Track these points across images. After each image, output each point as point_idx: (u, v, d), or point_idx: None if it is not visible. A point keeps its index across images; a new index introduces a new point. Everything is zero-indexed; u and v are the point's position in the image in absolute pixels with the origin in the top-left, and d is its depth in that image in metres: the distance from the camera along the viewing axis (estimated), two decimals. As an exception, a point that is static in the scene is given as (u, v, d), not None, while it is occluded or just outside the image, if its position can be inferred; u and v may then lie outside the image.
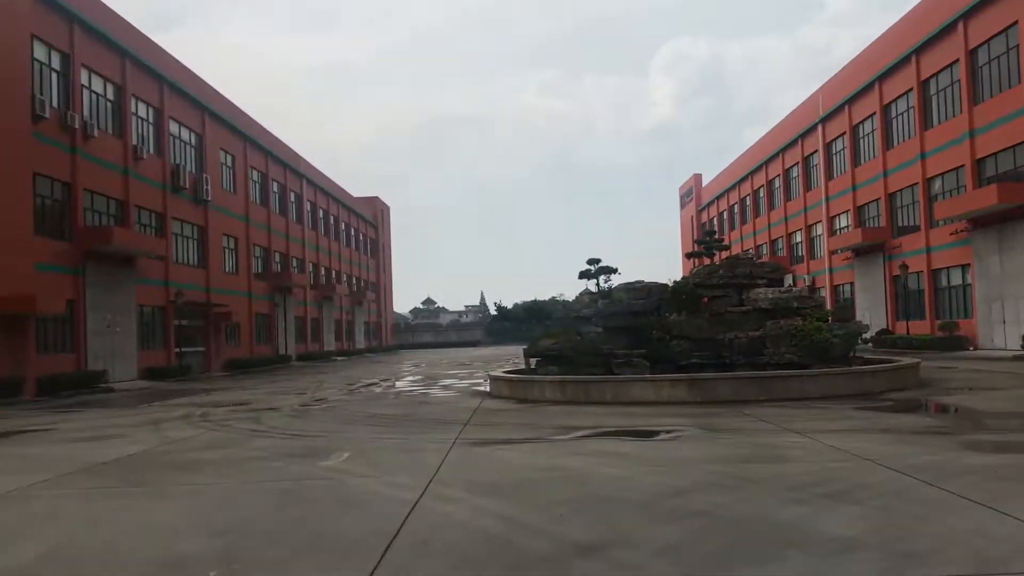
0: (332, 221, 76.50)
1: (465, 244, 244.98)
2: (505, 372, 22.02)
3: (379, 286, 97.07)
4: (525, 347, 22.67)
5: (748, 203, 74.46)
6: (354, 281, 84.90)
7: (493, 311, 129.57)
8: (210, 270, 46.71)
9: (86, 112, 34.88)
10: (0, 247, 27.76)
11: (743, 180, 74.84)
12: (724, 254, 28.06)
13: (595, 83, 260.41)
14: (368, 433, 13.83)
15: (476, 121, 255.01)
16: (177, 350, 41.70)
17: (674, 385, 17.89)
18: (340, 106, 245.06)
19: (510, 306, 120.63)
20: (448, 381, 29.43)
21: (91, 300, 34.27)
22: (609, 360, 19.99)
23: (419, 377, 33.39)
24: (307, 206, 67.92)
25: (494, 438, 12.61)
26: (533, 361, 22.17)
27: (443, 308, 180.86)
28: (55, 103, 32.77)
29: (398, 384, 29.00)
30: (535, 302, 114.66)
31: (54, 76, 33.04)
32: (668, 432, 12.81)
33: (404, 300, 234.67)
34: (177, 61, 44.12)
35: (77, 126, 33.47)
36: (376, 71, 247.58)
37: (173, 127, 43.50)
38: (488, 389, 22.14)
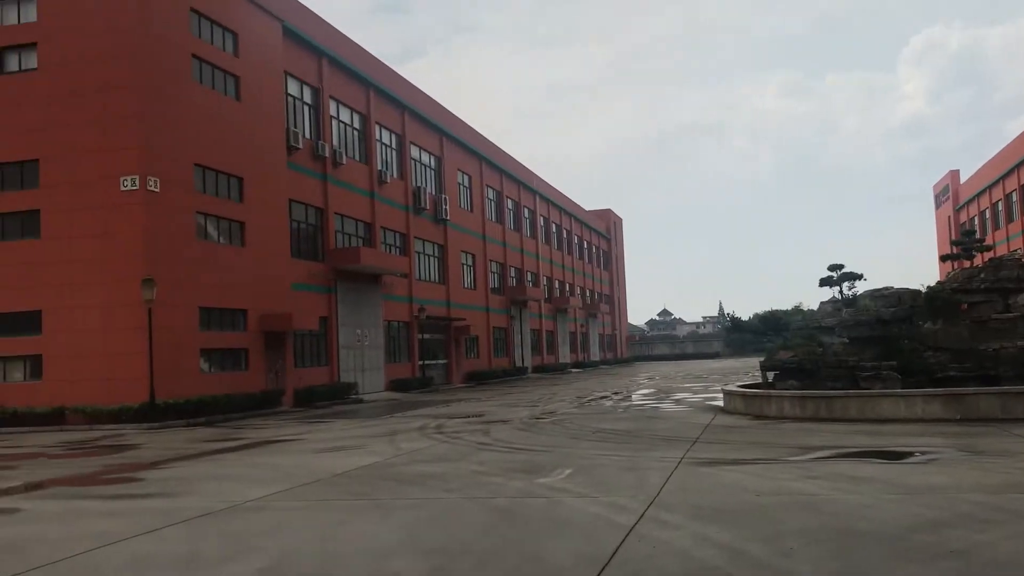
0: (565, 235, 77.41)
1: (702, 254, 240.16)
2: (740, 386, 20.99)
3: (613, 298, 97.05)
4: (761, 359, 21.51)
5: (1014, 199, 67.29)
6: (588, 293, 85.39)
7: (729, 322, 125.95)
8: (450, 286, 48.56)
9: (335, 141, 37.36)
10: (263, 269, 30.21)
11: (1008, 175, 67.69)
12: (986, 256, 25.30)
13: (837, 81, 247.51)
14: (592, 449, 13.51)
15: (711, 128, 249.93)
16: (421, 363, 43.61)
17: (929, 400, 16.21)
18: (573, 121, 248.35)
19: (746, 317, 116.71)
20: (681, 395, 28.61)
21: (342, 316, 36.55)
22: (854, 373, 18.47)
23: (651, 390, 32.76)
24: (540, 221, 69.15)
25: (723, 457, 11.89)
26: (770, 375, 20.97)
27: (679, 319, 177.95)
28: (307, 134, 35.34)
29: (629, 397, 28.55)
30: (771, 312, 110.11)
31: (306, 109, 35.65)
32: (921, 453, 11.51)
33: (639, 312, 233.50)
34: (417, 89, 46.36)
35: (327, 155, 35.91)
36: (608, 84, 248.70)
37: (414, 151, 45.70)
38: (722, 404, 21.20)
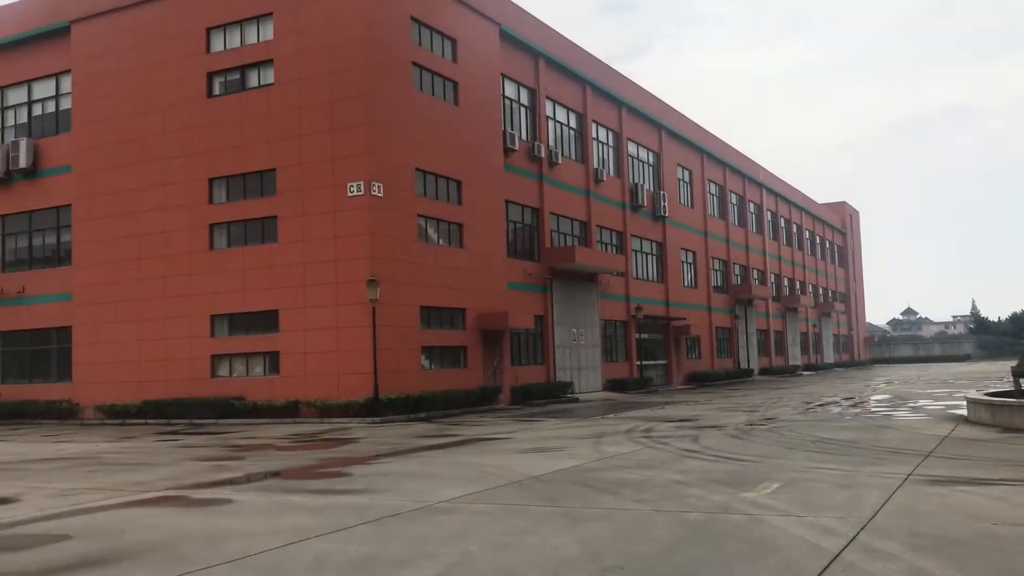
0: (795, 230, 73.86)
1: (952, 247, 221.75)
2: (987, 394, 18.82)
3: (849, 296, 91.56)
4: (1013, 365, 19.21)
5: None
6: (820, 291, 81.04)
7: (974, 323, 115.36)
8: (668, 284, 47.57)
9: (551, 141, 37.55)
10: (480, 269, 30.85)
11: None
12: None
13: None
14: (807, 461, 12.47)
15: (961, 111, 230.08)
16: (638, 363, 43.00)
17: None
18: (805, 110, 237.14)
19: (1004, 316, 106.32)
20: (920, 402, 26.24)
21: (557, 315, 36.67)
22: None
23: (887, 396, 30.34)
24: (767, 215, 66.36)
25: (958, 476, 10.55)
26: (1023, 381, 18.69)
27: (926, 319, 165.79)
28: (523, 135, 35.72)
29: (860, 404, 26.53)
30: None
31: (522, 110, 36.06)
32: None
33: (880, 311, 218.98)
34: (634, 84, 45.75)
35: (543, 155, 36.15)
36: (844, 70, 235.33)
37: (631, 148, 45.14)
38: (965, 414, 19.12)
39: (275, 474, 13.01)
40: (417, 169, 28.39)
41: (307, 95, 27.27)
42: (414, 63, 28.70)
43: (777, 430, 17.70)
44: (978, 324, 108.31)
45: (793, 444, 14.84)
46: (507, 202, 33.76)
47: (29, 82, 33.05)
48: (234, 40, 28.80)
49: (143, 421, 27.83)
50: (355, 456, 15.37)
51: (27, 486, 12.48)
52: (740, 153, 61.15)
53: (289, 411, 26.22)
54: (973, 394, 19.46)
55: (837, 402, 27.51)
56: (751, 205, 63.09)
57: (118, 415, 28.59)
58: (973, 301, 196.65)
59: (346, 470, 13.26)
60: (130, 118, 29.92)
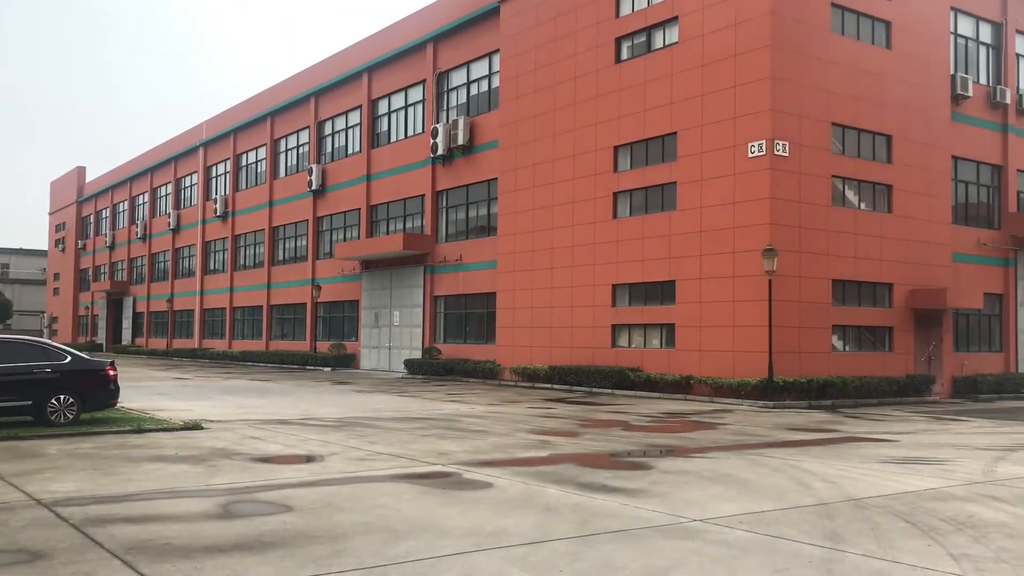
0: None
1: None
2: None
3: None
4: None
5: None
6: None
7: None
8: None
9: (1022, 85, 31.08)
10: (914, 238, 26.62)
11: None
12: None
13: None
14: None
15: None
16: None
17: None
18: None
19: None
20: None
21: (1022, 294, 30.41)
22: None
23: None
24: None
25: None
26: None
27: None
28: (982, 79, 29.98)
29: None
30: None
31: (981, 49, 30.25)
32: None
33: None
34: None
35: (1009, 101, 30.00)
36: None
37: None
38: None
39: (575, 458, 11.90)
40: (834, 124, 25.10)
41: (711, 51, 25.46)
42: (834, 4, 25.31)
43: None
44: None
45: None
46: (955, 158, 28.58)
47: (468, 63, 35.61)
48: (641, 1, 27.94)
49: (549, 386, 28.58)
50: (690, 445, 13.68)
51: (352, 445, 12.91)
52: None
53: (681, 386, 24.97)
54: None
55: None
56: None
57: (529, 378, 29.73)
58: None
59: (655, 463, 11.69)
60: (546, 90, 30.67)
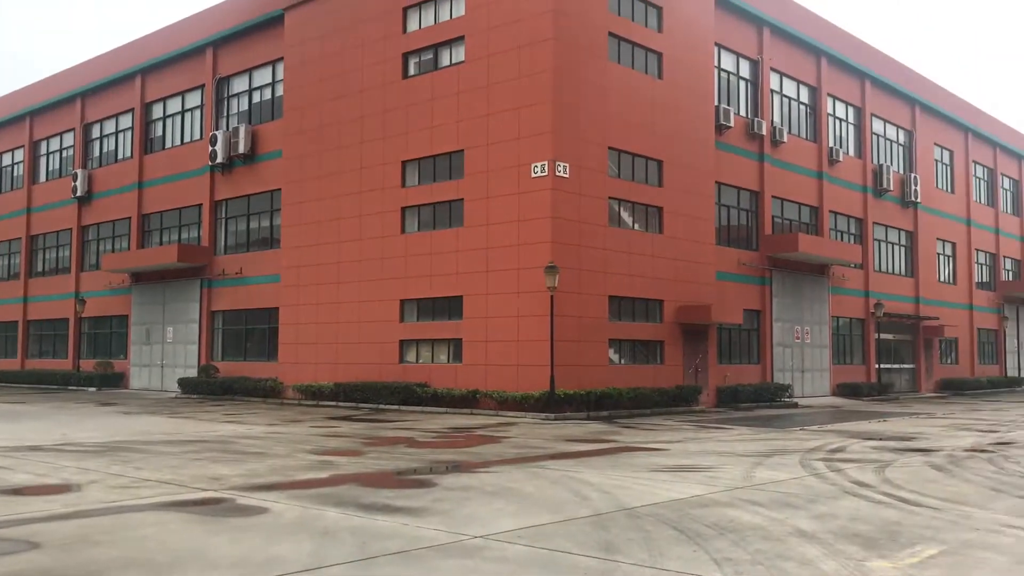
0: (1088, 220, 63.48)
1: None
2: None
3: None
4: None
5: None
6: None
7: None
8: (920, 279, 42.01)
9: (775, 117, 33.97)
10: (682, 257, 28.28)
11: None
12: None
13: None
14: (1005, 514, 9.29)
15: None
16: (877, 366, 38.27)
17: None
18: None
19: None
20: None
21: (777, 310, 33.16)
22: None
23: None
24: (1051, 203, 57.36)
25: None
26: None
27: None
28: (742, 111, 32.51)
29: None
30: None
31: (741, 84, 32.82)
32: None
33: None
34: (881, 53, 40.72)
35: (764, 132, 32.70)
36: None
37: (876, 125, 40.20)
38: None
39: (356, 479, 11.65)
40: (611, 148, 26.31)
41: (496, 72, 26.01)
42: (611, 33, 26.59)
43: (1000, 461, 14.04)
44: None
45: (1005, 485, 11.42)
46: (719, 184, 30.79)
47: (250, 70, 34.40)
48: (428, 18, 28.10)
49: (335, 403, 27.97)
50: (474, 460, 13.78)
51: (115, 472, 11.99)
52: (1016, 131, 53.15)
53: (468, 401, 25.20)
54: None
55: (1113, 427, 22.35)
56: (1030, 190, 54.79)
57: (313, 396, 28.97)
58: None
59: (439, 479, 11.66)
60: (332, 102, 30.15)
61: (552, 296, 23.44)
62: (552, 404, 23.28)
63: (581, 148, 25.31)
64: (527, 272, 24.65)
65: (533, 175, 24.85)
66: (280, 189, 32.16)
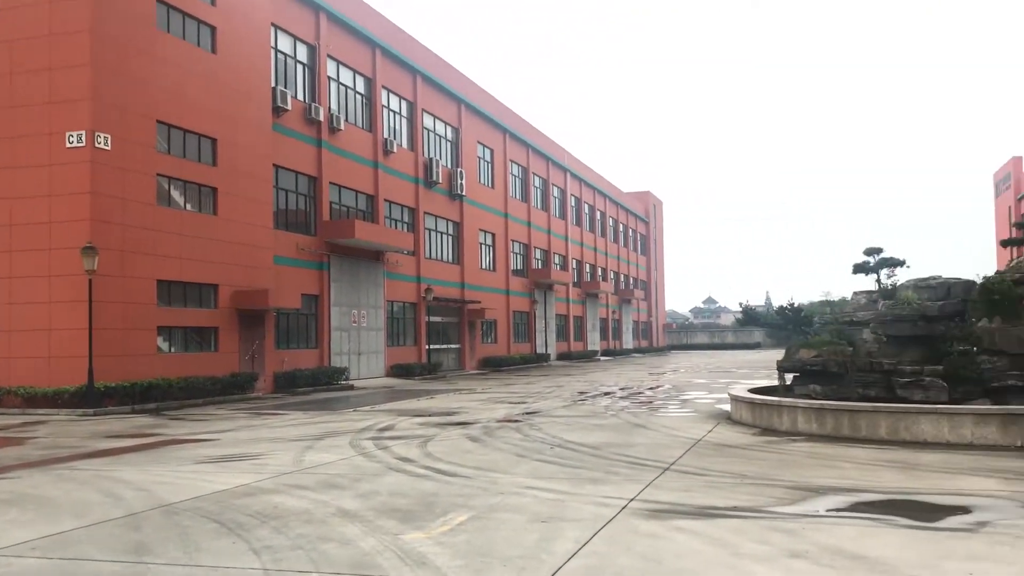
0: (599, 216, 73.80)
1: (751, 237, 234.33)
2: (749, 391, 17.57)
3: (650, 284, 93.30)
4: (779, 358, 18.14)
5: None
6: (622, 278, 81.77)
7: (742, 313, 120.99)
8: (465, 266, 45.48)
9: (333, 104, 34.38)
10: (238, 241, 27.43)
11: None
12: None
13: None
14: (528, 477, 10.35)
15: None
16: (428, 347, 40.70)
17: (982, 421, 12.76)
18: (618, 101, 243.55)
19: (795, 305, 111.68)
20: (693, 394, 25.22)
21: (335, 295, 33.68)
22: (890, 379, 15.05)
23: (664, 386, 29.35)
24: (571, 200, 65.64)
25: (686, 503, 8.63)
26: (789, 377, 17.63)
27: (724, 308, 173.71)
28: (300, 95, 32.42)
29: (635, 395, 25.24)
30: (791, 305, 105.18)
31: (299, 68, 32.70)
32: (966, 511, 8.15)
33: (685, 299, 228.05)
34: (432, 53, 43.15)
35: (322, 118, 32.94)
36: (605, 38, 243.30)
37: (427, 120, 42.59)
38: (729, 411, 17.85)
39: None
40: (160, 121, 24.64)
41: (23, 25, 22.96)
42: (160, 1, 24.87)
43: (526, 429, 15.67)
44: (746, 314, 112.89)
45: (528, 451, 12.74)
46: (277, 167, 30.41)
47: None
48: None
49: None
50: (-12, 466, 12.03)
51: None
52: (546, 136, 59.87)
53: (-14, 400, 22.05)
54: (737, 390, 18.17)
55: (612, 393, 26.14)
56: (555, 189, 62.09)
57: None
58: (767, 292, 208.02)
59: (-64, 492, 9.98)
60: None
61: (91, 280, 21.37)
62: (91, 399, 21.25)
63: (126, 119, 23.36)
64: (60, 253, 22.19)
65: (68, 145, 22.40)
66: None
